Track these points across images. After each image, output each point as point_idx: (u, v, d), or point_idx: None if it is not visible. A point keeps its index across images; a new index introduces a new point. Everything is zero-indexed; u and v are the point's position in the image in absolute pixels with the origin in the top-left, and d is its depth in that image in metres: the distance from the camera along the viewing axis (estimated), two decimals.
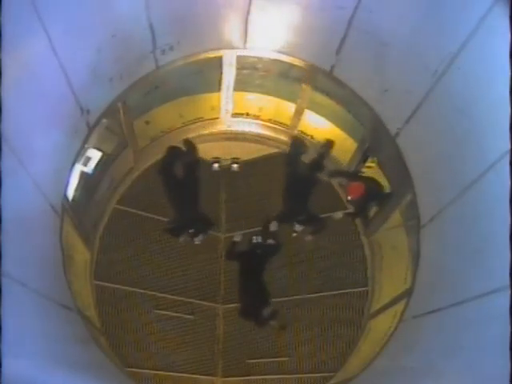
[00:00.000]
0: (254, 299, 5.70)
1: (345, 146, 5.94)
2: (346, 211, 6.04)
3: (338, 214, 5.90)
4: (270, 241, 5.80)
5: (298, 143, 6.24)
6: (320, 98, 5.63)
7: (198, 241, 6.01)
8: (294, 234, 6.11)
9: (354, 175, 5.94)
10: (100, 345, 4.90)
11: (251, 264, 5.69)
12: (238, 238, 5.87)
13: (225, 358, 5.99)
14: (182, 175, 5.83)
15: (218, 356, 5.99)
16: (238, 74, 5.63)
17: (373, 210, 5.91)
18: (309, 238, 6.12)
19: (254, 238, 5.54)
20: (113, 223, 6.04)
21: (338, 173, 6.17)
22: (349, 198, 5.78)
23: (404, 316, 4.64)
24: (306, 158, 6.25)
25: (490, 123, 3.34)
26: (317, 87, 5.52)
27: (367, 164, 5.74)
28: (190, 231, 5.97)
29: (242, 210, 6.34)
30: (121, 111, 5.15)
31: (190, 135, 6.40)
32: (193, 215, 5.85)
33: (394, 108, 4.69)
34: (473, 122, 3.57)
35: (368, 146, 5.56)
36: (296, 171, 6.09)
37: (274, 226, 5.67)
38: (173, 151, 5.94)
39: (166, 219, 6.12)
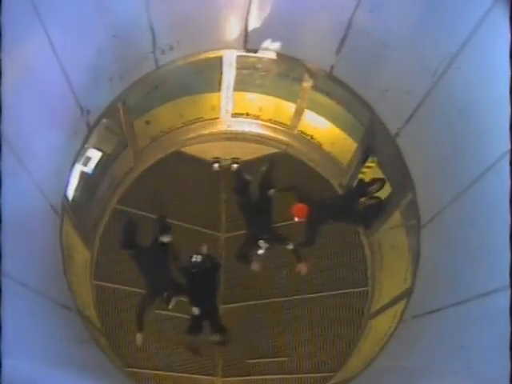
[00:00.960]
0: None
1: (345, 145, 5.94)
2: (297, 242, 5.84)
3: (290, 246, 5.74)
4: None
5: (241, 176, 6.19)
6: (320, 98, 5.64)
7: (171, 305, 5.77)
8: (260, 252, 5.78)
9: (300, 191, 5.92)
10: (100, 345, 4.90)
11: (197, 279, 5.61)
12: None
13: (225, 358, 5.99)
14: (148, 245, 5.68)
15: (218, 356, 5.99)
16: (237, 74, 5.63)
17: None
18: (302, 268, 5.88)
19: (194, 256, 5.51)
20: (113, 223, 6.04)
21: (286, 188, 6.03)
22: (295, 219, 5.71)
23: (404, 316, 4.64)
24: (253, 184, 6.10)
25: (490, 123, 3.34)
26: (317, 87, 5.52)
27: (367, 164, 5.74)
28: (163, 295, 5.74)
29: None
30: (121, 111, 5.15)
31: (190, 135, 6.41)
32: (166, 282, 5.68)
33: (393, 108, 4.69)
34: (473, 122, 3.57)
35: (368, 146, 5.55)
36: (247, 199, 5.98)
37: (204, 249, 5.56)
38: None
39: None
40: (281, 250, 5.98)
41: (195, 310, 5.48)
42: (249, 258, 5.94)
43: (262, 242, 5.67)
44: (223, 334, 5.74)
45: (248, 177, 6.13)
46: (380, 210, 5.66)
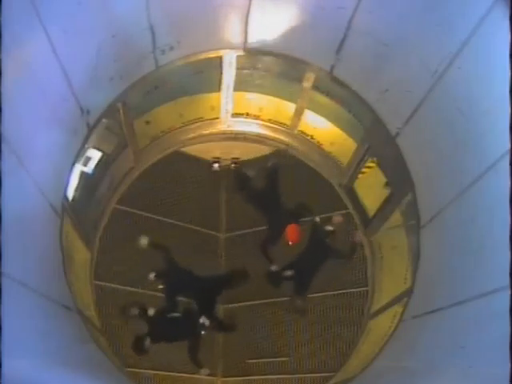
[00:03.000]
0: None
1: (345, 145, 5.93)
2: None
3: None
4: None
5: (241, 173, 6.25)
6: (320, 98, 5.63)
7: None
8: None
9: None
10: (100, 345, 4.89)
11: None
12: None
13: (225, 358, 5.99)
14: None
15: (217, 356, 5.99)
16: (237, 74, 5.63)
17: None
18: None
19: (202, 319, 5.50)
20: (113, 223, 6.04)
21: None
22: (290, 243, 5.65)
23: (404, 316, 4.64)
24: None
25: (490, 123, 3.34)
26: (317, 87, 5.52)
27: (367, 164, 5.74)
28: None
29: (242, 209, 6.34)
30: (121, 111, 5.15)
31: (190, 135, 6.40)
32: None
33: (393, 108, 4.69)
34: (473, 122, 3.57)
35: (368, 146, 5.55)
36: (250, 193, 6.08)
37: (203, 320, 5.58)
38: None
39: (166, 219, 6.13)
40: (281, 249, 5.99)
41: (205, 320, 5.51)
42: (269, 255, 5.96)
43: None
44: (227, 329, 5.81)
45: (249, 173, 6.12)
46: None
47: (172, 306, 5.65)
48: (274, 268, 5.89)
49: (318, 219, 5.90)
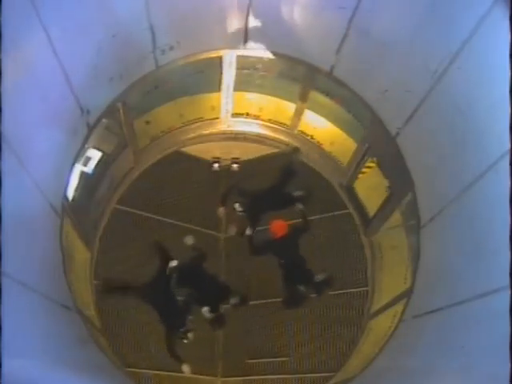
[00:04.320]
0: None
1: (345, 145, 5.94)
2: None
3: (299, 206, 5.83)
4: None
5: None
6: (320, 98, 5.63)
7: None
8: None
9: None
10: (100, 345, 4.89)
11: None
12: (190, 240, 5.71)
13: (225, 357, 5.98)
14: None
15: (218, 356, 5.98)
16: (237, 74, 5.63)
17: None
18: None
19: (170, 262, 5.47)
20: (113, 223, 6.04)
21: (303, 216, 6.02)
22: (272, 233, 5.67)
23: (404, 316, 4.64)
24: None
25: (490, 123, 3.34)
26: (317, 87, 5.52)
27: (367, 164, 5.74)
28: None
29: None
30: (121, 111, 5.15)
31: (190, 135, 6.41)
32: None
33: (394, 108, 4.69)
34: (473, 122, 3.57)
35: (368, 146, 5.55)
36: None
37: (190, 240, 5.62)
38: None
39: (166, 219, 6.13)
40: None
41: (206, 311, 5.47)
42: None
43: (237, 205, 5.81)
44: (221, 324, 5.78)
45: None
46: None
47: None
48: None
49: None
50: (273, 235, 5.66)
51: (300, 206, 5.88)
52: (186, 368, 5.61)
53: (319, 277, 5.61)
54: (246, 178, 6.35)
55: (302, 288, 5.65)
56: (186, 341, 5.56)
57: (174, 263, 5.51)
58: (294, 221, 5.94)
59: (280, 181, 6.00)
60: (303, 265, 5.68)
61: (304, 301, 5.81)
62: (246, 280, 6.14)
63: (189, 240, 5.75)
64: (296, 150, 6.28)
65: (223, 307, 5.64)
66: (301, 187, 5.99)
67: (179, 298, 5.57)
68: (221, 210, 6.17)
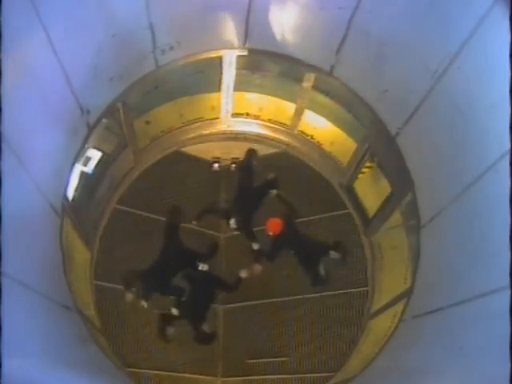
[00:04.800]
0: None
1: (345, 145, 5.94)
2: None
3: (255, 246, 5.93)
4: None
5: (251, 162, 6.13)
6: (320, 98, 5.63)
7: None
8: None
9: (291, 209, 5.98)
10: (100, 345, 4.90)
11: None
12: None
13: (225, 358, 5.98)
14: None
15: (218, 356, 5.98)
16: (237, 74, 5.63)
17: None
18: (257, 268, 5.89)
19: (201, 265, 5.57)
20: (113, 223, 6.04)
21: (284, 200, 6.06)
22: (270, 233, 5.73)
23: (404, 316, 4.64)
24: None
25: (490, 123, 3.34)
26: (317, 87, 5.52)
27: (367, 164, 5.74)
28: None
29: None
30: (121, 111, 5.15)
31: (190, 135, 6.41)
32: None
33: (393, 108, 4.69)
34: (473, 122, 3.57)
35: (368, 146, 5.55)
36: (246, 182, 6.04)
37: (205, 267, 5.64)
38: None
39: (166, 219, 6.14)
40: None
41: (174, 311, 5.50)
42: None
43: (232, 222, 5.83)
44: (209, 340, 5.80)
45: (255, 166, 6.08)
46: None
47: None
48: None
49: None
50: (272, 233, 5.69)
51: (273, 191, 5.93)
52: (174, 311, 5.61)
53: (332, 253, 5.65)
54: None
55: (321, 269, 5.73)
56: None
57: (205, 267, 5.58)
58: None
59: (245, 181, 6.03)
60: (312, 246, 5.77)
61: (329, 276, 5.87)
62: (246, 280, 6.14)
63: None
64: (251, 151, 6.16)
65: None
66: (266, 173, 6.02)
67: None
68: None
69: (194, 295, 5.60)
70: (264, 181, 5.99)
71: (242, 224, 5.98)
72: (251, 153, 6.07)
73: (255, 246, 5.94)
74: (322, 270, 5.75)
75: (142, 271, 5.54)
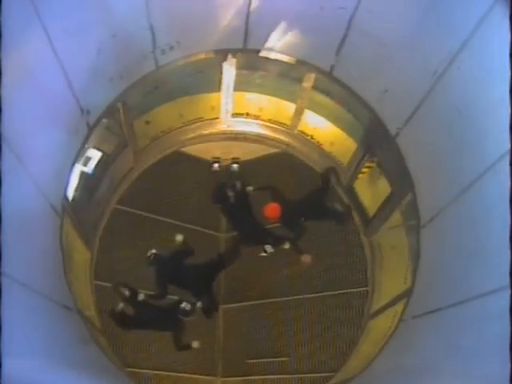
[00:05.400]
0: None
1: (345, 145, 5.94)
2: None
3: (286, 245, 5.96)
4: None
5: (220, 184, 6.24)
6: (320, 98, 5.63)
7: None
8: (264, 254, 6.03)
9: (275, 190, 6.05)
10: (100, 345, 4.90)
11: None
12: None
13: (225, 358, 5.99)
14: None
15: (218, 356, 5.99)
16: (237, 74, 5.63)
17: None
18: (306, 259, 6.06)
19: (183, 304, 5.59)
20: (113, 223, 6.04)
21: (263, 188, 6.18)
22: (273, 220, 5.82)
23: (404, 316, 4.64)
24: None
25: (490, 123, 3.34)
26: (317, 87, 5.52)
27: (367, 164, 5.74)
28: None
29: None
30: (121, 111, 5.15)
31: (190, 135, 6.41)
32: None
33: (394, 108, 4.69)
34: (473, 122, 3.57)
35: (368, 146, 5.56)
36: (227, 203, 6.11)
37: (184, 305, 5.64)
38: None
39: (165, 219, 6.13)
40: (281, 250, 6.00)
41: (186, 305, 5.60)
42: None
43: (268, 247, 5.88)
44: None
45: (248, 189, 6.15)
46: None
47: (161, 293, 5.68)
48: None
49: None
50: (276, 219, 5.79)
51: (249, 188, 6.05)
52: (195, 344, 5.72)
53: (338, 207, 5.84)
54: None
55: (337, 207, 6.01)
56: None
57: (153, 250, 5.64)
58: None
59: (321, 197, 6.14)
60: (313, 202, 5.94)
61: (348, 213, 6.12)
62: (247, 280, 6.15)
63: (178, 237, 5.84)
64: (331, 169, 6.29)
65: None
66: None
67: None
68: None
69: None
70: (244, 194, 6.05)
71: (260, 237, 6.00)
72: (331, 171, 6.21)
73: (286, 246, 5.98)
74: (338, 207, 5.98)
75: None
